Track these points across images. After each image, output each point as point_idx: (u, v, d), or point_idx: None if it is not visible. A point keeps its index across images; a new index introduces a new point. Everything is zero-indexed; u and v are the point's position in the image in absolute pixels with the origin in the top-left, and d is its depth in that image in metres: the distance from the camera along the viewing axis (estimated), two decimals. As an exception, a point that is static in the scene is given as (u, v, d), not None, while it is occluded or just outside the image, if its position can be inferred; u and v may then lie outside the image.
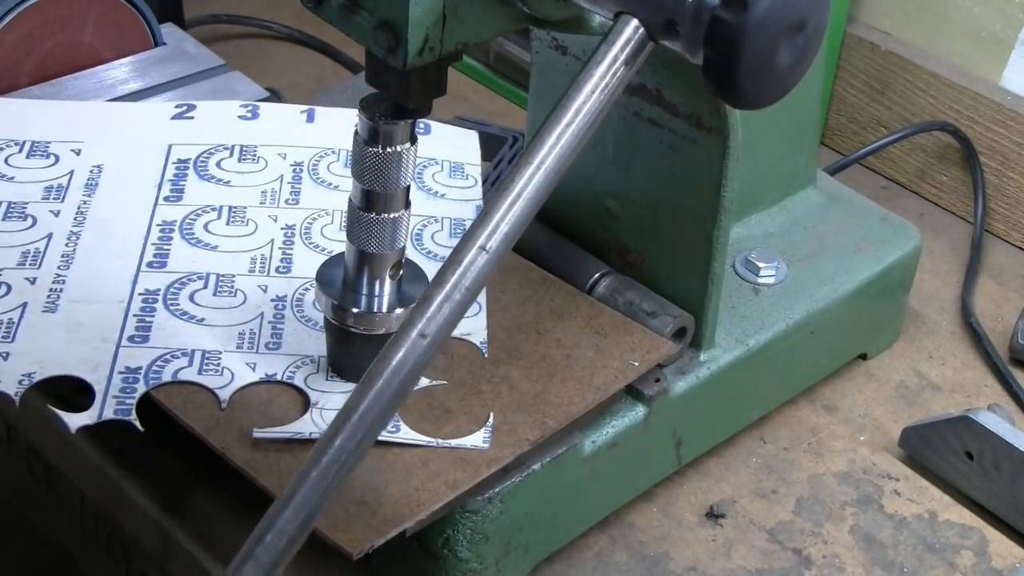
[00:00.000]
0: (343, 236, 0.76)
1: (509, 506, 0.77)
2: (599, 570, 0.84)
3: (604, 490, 0.84)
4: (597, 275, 0.87)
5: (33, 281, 0.82)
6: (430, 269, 0.73)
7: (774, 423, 0.95)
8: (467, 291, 0.59)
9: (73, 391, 0.75)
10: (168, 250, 0.85)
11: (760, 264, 0.93)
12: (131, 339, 0.78)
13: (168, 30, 1.11)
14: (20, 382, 0.74)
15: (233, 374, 0.76)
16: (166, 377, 0.76)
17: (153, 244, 0.86)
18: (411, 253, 0.86)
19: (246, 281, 0.84)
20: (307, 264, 0.85)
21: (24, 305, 0.79)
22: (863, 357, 1.01)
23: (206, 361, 0.77)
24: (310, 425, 0.73)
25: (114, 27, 1.06)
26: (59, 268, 0.83)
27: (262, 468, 0.71)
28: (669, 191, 0.83)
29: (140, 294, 0.81)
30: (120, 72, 1.06)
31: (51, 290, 0.81)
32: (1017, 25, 1.13)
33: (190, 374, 0.76)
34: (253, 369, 0.77)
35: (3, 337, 0.77)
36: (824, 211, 1.00)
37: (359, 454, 0.57)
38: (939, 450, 0.90)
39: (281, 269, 0.85)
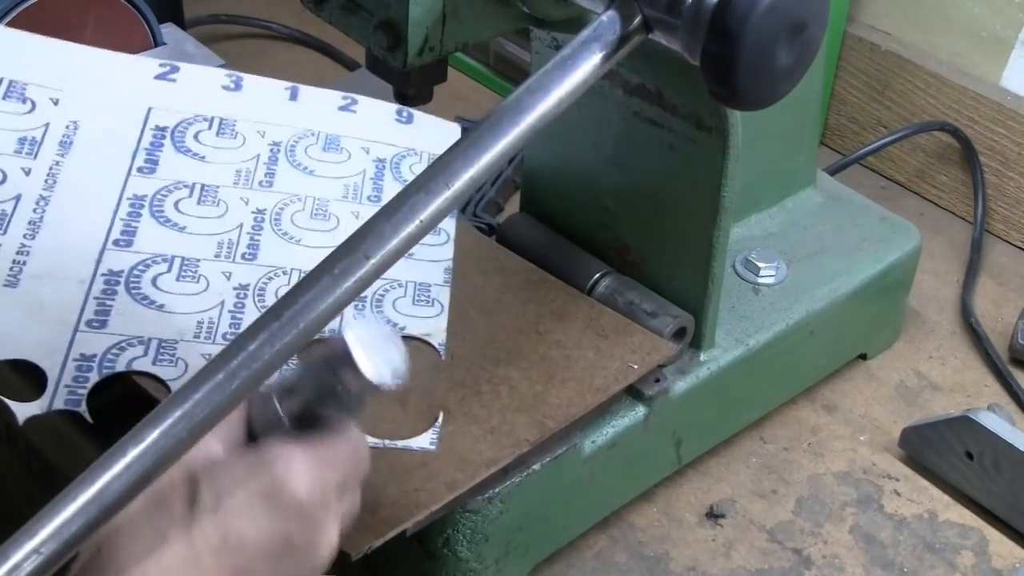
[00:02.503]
0: (314, 224, 0.75)
1: (509, 506, 0.77)
2: (599, 570, 0.84)
3: (604, 490, 0.84)
4: (597, 275, 0.87)
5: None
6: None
7: (774, 423, 0.95)
8: (420, 223, 0.58)
9: (27, 377, 0.74)
10: (136, 227, 0.84)
11: (760, 264, 0.93)
12: (89, 323, 0.77)
13: (168, 30, 1.11)
14: None
15: (187, 365, 0.76)
16: (120, 366, 0.75)
17: (121, 220, 0.84)
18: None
19: (210, 266, 0.83)
20: (274, 252, 0.84)
21: None
22: (863, 357, 1.01)
23: (162, 351, 0.76)
24: None
25: (114, 27, 1.06)
26: (25, 237, 0.81)
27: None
28: (669, 191, 0.83)
29: (103, 275, 0.80)
30: (120, 72, 1.05)
31: (14, 262, 0.79)
32: (1017, 25, 1.13)
33: (144, 364, 0.75)
34: (208, 360, 0.76)
35: None
36: (824, 211, 1.00)
37: (273, 361, 0.56)
38: (939, 450, 0.90)
39: (247, 256, 0.84)
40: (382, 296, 0.83)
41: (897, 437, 0.93)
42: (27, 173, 0.86)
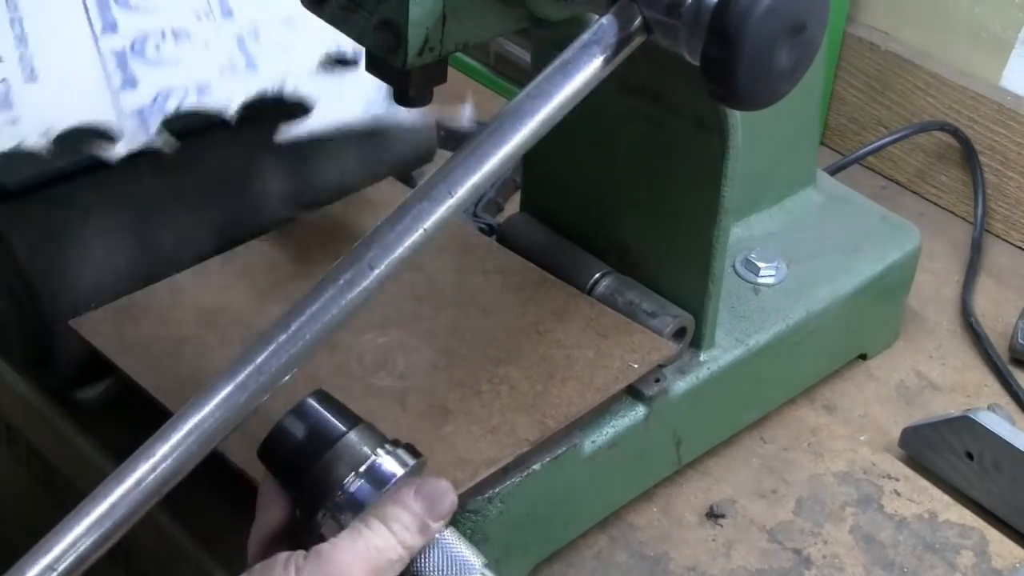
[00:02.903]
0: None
1: (509, 506, 0.77)
2: (599, 570, 0.84)
3: (604, 490, 0.84)
4: (597, 275, 0.87)
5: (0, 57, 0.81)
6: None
7: (774, 423, 0.95)
8: (424, 232, 0.59)
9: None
10: (114, 16, 0.85)
11: (760, 264, 0.93)
12: (122, 87, 0.78)
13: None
14: (45, 133, 0.75)
15: (230, 94, 0.77)
16: (171, 108, 0.79)
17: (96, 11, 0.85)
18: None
19: (199, 28, 0.84)
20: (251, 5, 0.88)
21: (4, 80, 0.79)
22: (863, 357, 1.01)
23: (201, 91, 0.78)
24: None
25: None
26: (16, 46, 0.82)
27: (262, 467, 0.71)
28: (669, 191, 0.83)
29: (108, 54, 0.82)
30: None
31: (21, 58, 0.80)
32: (1017, 25, 1.13)
33: (185, 101, 0.78)
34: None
35: (3, 106, 0.77)
36: (824, 211, 1.00)
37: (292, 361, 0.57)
38: (939, 450, 0.90)
39: (225, 11, 0.86)
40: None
41: (897, 437, 0.93)
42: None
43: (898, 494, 0.90)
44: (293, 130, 0.86)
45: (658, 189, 0.83)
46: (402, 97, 0.68)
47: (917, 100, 1.19)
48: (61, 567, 0.53)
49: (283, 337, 0.57)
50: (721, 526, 0.87)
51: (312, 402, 0.63)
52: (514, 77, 1.27)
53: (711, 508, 0.88)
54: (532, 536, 0.80)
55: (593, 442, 0.81)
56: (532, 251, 0.89)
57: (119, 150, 0.77)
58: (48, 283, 0.82)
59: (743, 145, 0.78)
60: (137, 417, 0.78)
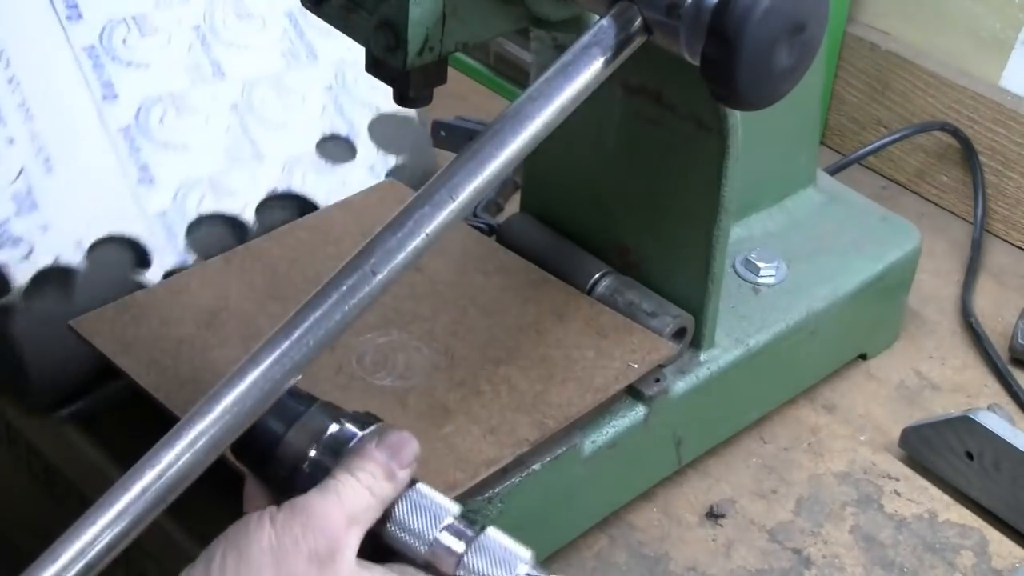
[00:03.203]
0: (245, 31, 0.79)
1: (509, 506, 0.77)
2: (599, 570, 0.84)
3: (604, 490, 0.84)
4: (597, 275, 0.87)
5: (12, 142, 0.82)
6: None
7: (774, 423, 0.95)
8: (426, 236, 0.59)
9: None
10: (109, 75, 0.85)
11: (760, 264, 0.93)
12: (139, 181, 0.80)
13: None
14: (79, 244, 0.77)
15: (242, 189, 0.80)
16: (191, 210, 0.82)
17: (92, 74, 0.86)
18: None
19: (197, 96, 0.85)
20: (240, 64, 0.88)
21: (22, 170, 0.80)
22: (863, 357, 1.01)
23: (215, 186, 0.80)
24: None
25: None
26: (24, 120, 0.82)
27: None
28: (669, 191, 0.83)
29: (115, 127, 0.83)
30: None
31: (33, 139, 0.81)
32: (1017, 25, 1.13)
33: (205, 200, 0.81)
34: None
35: (29, 209, 0.78)
36: (824, 211, 1.00)
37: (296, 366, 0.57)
38: (939, 450, 0.90)
39: (218, 73, 0.87)
40: None
41: (897, 437, 0.93)
42: (11, 142, 0.85)
43: (898, 494, 0.90)
44: None
45: (658, 189, 0.83)
46: (402, 97, 0.68)
47: (917, 100, 1.19)
48: (70, 574, 0.53)
49: (287, 343, 0.57)
50: (721, 526, 0.87)
51: (287, 398, 0.64)
52: (514, 77, 1.27)
53: (711, 508, 0.88)
54: (532, 536, 0.79)
55: (593, 442, 0.81)
56: (532, 251, 0.89)
57: (153, 275, 0.83)
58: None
59: (743, 145, 0.78)
60: (137, 417, 0.78)
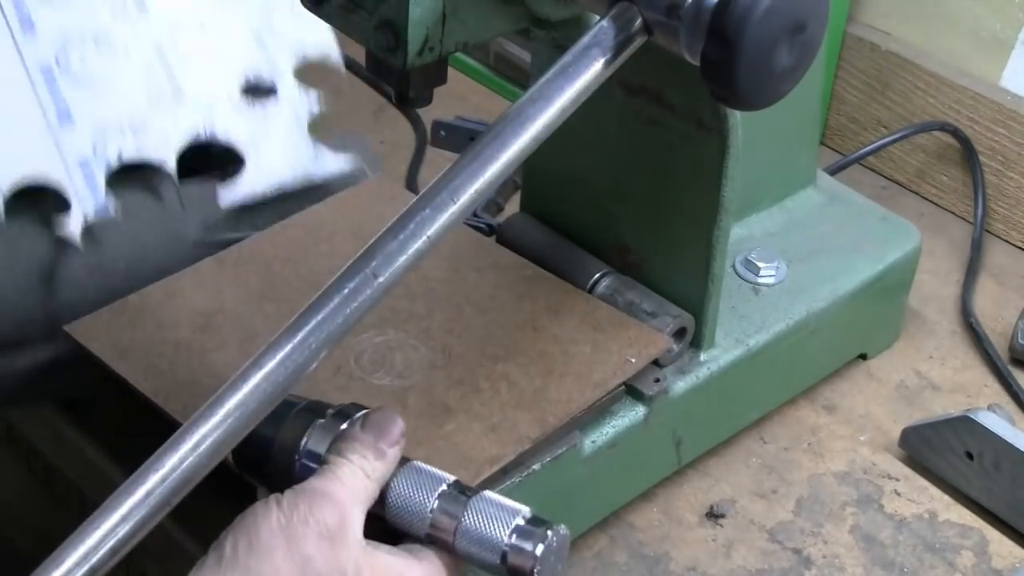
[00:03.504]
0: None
1: (509, 506, 0.76)
2: (599, 570, 0.84)
3: (604, 490, 0.84)
4: (597, 275, 0.87)
5: None
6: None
7: (774, 423, 0.95)
8: (428, 239, 0.59)
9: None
10: (30, 12, 0.84)
11: (760, 264, 0.93)
12: (59, 122, 0.78)
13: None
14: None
15: (164, 133, 0.78)
16: (112, 155, 0.78)
17: (13, 11, 0.84)
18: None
19: (118, 31, 0.83)
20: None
21: None
22: (863, 357, 1.01)
23: (136, 130, 0.78)
24: None
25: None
26: None
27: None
28: (669, 191, 0.83)
29: (34, 66, 0.81)
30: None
31: None
32: (1017, 25, 1.13)
33: (124, 141, 0.78)
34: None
35: None
36: (824, 211, 1.00)
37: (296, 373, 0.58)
38: (939, 450, 0.90)
39: (140, 7, 0.85)
40: None
41: (897, 437, 0.93)
42: None
43: (898, 494, 0.90)
44: (235, 194, 0.88)
45: (658, 189, 0.83)
46: (402, 98, 0.68)
47: (917, 100, 1.19)
48: None
49: (289, 347, 0.57)
50: (721, 526, 0.87)
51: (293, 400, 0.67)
52: (514, 77, 1.27)
53: (711, 508, 0.88)
54: (532, 536, 0.79)
55: (593, 442, 0.81)
56: (532, 251, 0.89)
57: (74, 226, 0.79)
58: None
59: (743, 145, 0.78)
60: (137, 417, 0.78)
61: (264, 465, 0.66)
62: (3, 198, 0.79)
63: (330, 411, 0.67)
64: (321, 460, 0.64)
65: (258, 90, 0.91)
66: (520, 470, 0.76)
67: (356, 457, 0.63)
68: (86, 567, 0.53)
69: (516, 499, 0.76)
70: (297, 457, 0.65)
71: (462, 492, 0.64)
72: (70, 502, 0.92)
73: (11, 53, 0.82)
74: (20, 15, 0.84)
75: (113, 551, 0.54)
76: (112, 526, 0.54)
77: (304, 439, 0.65)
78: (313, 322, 0.58)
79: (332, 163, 0.92)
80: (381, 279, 0.58)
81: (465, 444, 0.74)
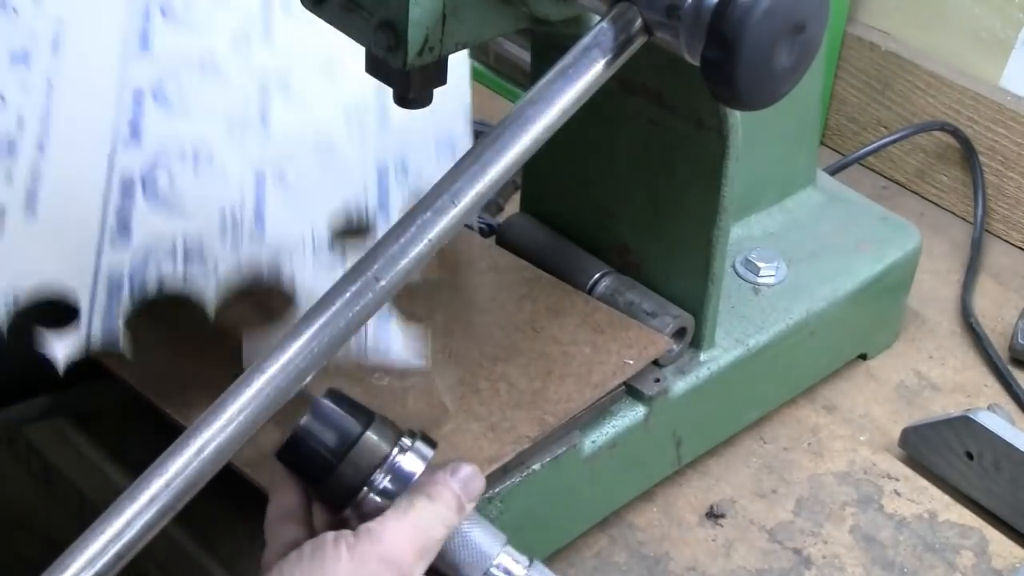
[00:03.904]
0: (320, 87, 0.74)
1: (509, 506, 0.77)
2: (599, 570, 0.84)
3: (604, 490, 0.84)
4: (597, 275, 0.87)
5: (10, 177, 0.77)
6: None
7: (774, 423, 0.95)
8: (429, 243, 0.59)
9: (58, 314, 0.71)
10: (142, 121, 0.80)
11: (760, 264, 0.93)
12: (112, 242, 0.74)
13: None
14: (6, 304, 0.71)
15: (217, 261, 0.73)
16: (151, 283, 0.72)
17: (126, 117, 0.80)
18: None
19: (225, 148, 0.79)
20: (287, 120, 0.81)
21: (2, 211, 0.75)
22: (863, 357, 1.01)
23: (188, 252, 0.74)
24: None
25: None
26: (34, 156, 0.78)
27: (262, 468, 0.71)
28: (669, 191, 0.83)
29: (119, 182, 0.77)
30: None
31: (28, 188, 0.76)
32: (1017, 25, 1.13)
33: (171, 268, 0.73)
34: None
35: None
36: (824, 211, 1.00)
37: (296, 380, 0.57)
38: (939, 450, 0.90)
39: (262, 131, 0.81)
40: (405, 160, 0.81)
41: (897, 437, 0.93)
42: (24, 88, 0.81)
43: (898, 494, 0.90)
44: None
45: (658, 189, 0.84)
46: (402, 98, 0.68)
47: (917, 100, 1.19)
48: None
49: (292, 351, 0.57)
50: (721, 526, 0.87)
51: (327, 402, 0.64)
52: (514, 77, 1.27)
53: (711, 508, 0.88)
54: (532, 536, 0.79)
55: (593, 442, 0.81)
56: (532, 251, 0.89)
57: (67, 348, 0.69)
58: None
59: (743, 145, 0.78)
60: (137, 417, 0.78)
61: (324, 478, 0.63)
62: (13, 305, 0.72)
63: (402, 438, 0.64)
64: (390, 495, 0.62)
65: (356, 232, 0.80)
66: (520, 470, 0.77)
67: (442, 506, 0.62)
68: (91, 572, 0.53)
69: (516, 499, 0.77)
70: (367, 490, 0.62)
71: (518, 558, 0.64)
72: (70, 502, 0.92)
73: (102, 163, 0.79)
74: (130, 119, 0.81)
75: (118, 556, 0.54)
76: (117, 531, 0.54)
77: (380, 473, 0.62)
78: (316, 326, 0.58)
79: (399, 348, 0.79)
80: (383, 282, 0.58)
81: (464, 444, 0.74)
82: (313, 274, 0.74)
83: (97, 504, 0.88)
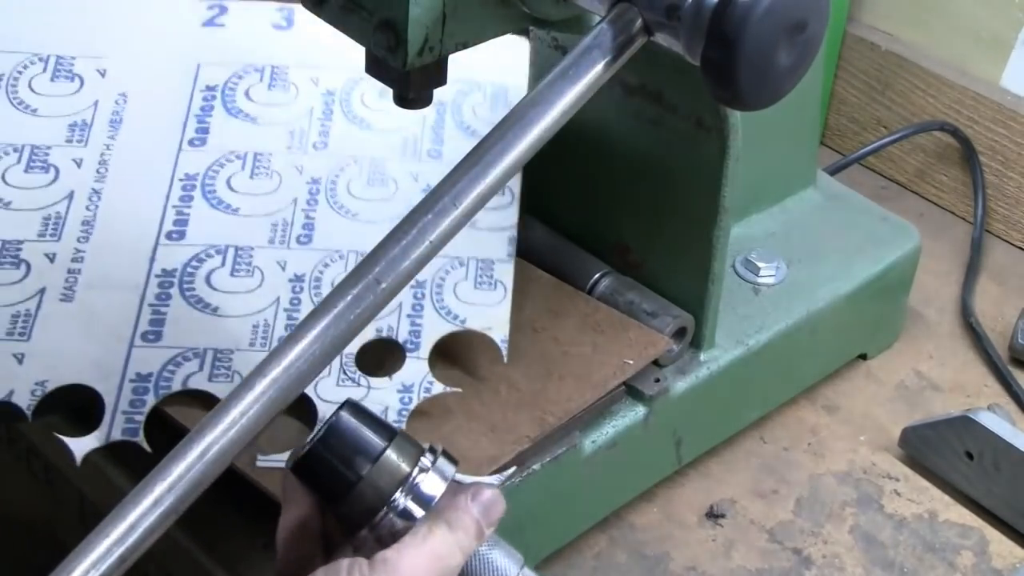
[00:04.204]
0: (371, 193, 0.74)
1: (509, 506, 0.76)
2: (599, 570, 0.84)
3: (604, 490, 0.84)
4: (597, 275, 0.87)
5: (52, 258, 0.78)
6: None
7: (774, 423, 0.95)
8: (430, 244, 0.59)
9: (82, 402, 0.73)
10: (188, 214, 0.81)
11: (760, 264, 0.93)
12: (144, 336, 0.75)
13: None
14: (33, 392, 0.72)
15: (242, 377, 0.74)
16: (176, 385, 0.74)
17: (174, 207, 0.82)
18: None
19: (264, 255, 0.80)
20: (330, 232, 0.81)
21: (42, 292, 0.77)
22: (863, 357, 1.01)
23: (217, 363, 0.75)
24: None
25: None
26: (79, 240, 0.80)
27: (264, 471, 0.71)
28: (669, 191, 0.83)
29: (157, 275, 0.78)
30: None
31: (69, 271, 0.78)
32: (1017, 25, 1.13)
33: (200, 380, 0.74)
34: None
35: (20, 334, 0.74)
36: (824, 211, 1.00)
37: (298, 383, 0.57)
38: (939, 450, 0.90)
39: (302, 239, 0.81)
40: (442, 281, 0.79)
41: (897, 437, 0.93)
42: (79, 164, 0.83)
43: (898, 494, 0.90)
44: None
45: (658, 189, 0.83)
46: (402, 98, 0.68)
47: (917, 100, 1.19)
48: None
49: (293, 354, 0.57)
50: (721, 526, 0.87)
51: (346, 416, 0.62)
52: (514, 77, 1.27)
53: (711, 508, 0.88)
54: (532, 536, 0.80)
55: (593, 442, 0.81)
56: (532, 251, 0.89)
57: (87, 445, 0.70)
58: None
59: (743, 145, 0.78)
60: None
61: (341, 494, 0.60)
62: (41, 394, 0.72)
63: (424, 461, 0.61)
64: (409, 517, 0.60)
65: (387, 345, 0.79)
66: (520, 470, 0.76)
67: (460, 534, 0.60)
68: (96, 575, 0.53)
69: (516, 499, 0.76)
70: (386, 510, 0.60)
71: None
72: (70, 502, 0.92)
73: (144, 259, 0.80)
74: (175, 219, 0.82)
75: (121, 559, 0.54)
76: (121, 535, 0.54)
77: (401, 494, 0.60)
78: (318, 329, 0.58)
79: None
80: (384, 285, 0.58)
81: (464, 444, 0.74)
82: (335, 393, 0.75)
83: (97, 504, 0.88)
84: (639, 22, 0.62)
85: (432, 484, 0.61)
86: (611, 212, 0.87)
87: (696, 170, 0.80)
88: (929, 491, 0.90)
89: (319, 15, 0.67)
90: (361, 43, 0.66)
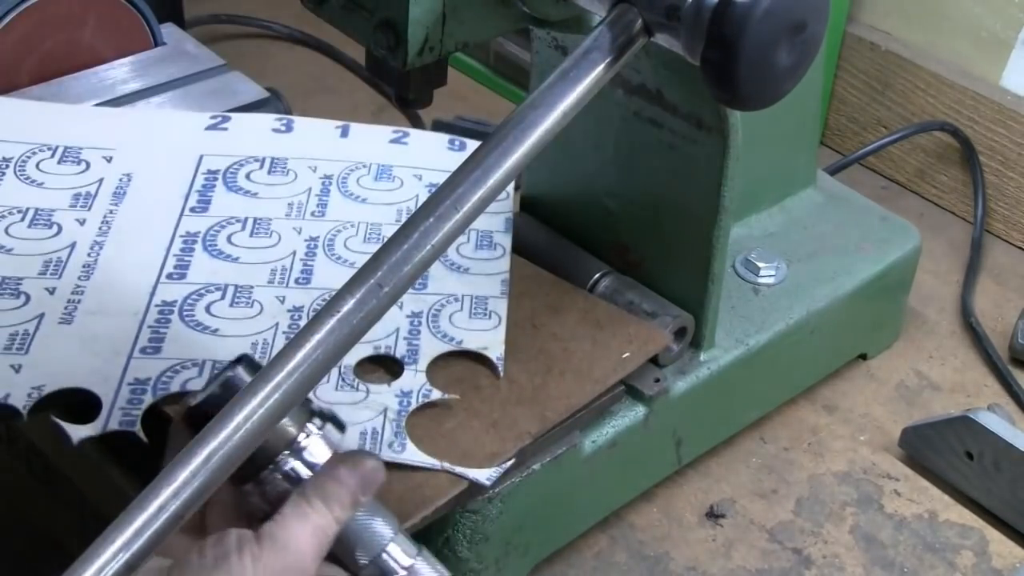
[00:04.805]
0: (367, 248, 0.75)
1: (509, 506, 0.77)
2: (599, 570, 0.84)
3: (604, 490, 0.84)
4: (597, 275, 0.87)
5: (52, 291, 0.80)
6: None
7: (774, 423, 0.95)
8: (432, 248, 0.59)
9: (80, 404, 0.73)
10: (189, 261, 0.84)
11: (760, 264, 0.93)
12: (143, 350, 0.77)
13: (168, 30, 1.11)
14: (29, 395, 0.72)
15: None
16: (174, 388, 0.74)
17: (175, 255, 0.84)
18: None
19: (264, 292, 0.82)
20: (327, 275, 0.84)
21: (41, 316, 0.78)
22: (863, 357, 1.01)
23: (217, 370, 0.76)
24: None
25: (114, 27, 1.06)
26: (79, 278, 0.81)
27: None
28: (669, 191, 0.83)
29: (156, 305, 0.80)
30: (120, 72, 1.05)
31: (69, 301, 0.80)
32: (1017, 25, 1.13)
33: (198, 384, 0.75)
34: None
35: (17, 348, 0.76)
36: (824, 211, 1.00)
37: (305, 384, 0.57)
38: (939, 450, 0.90)
39: (301, 280, 0.83)
40: (438, 311, 0.82)
41: (897, 437, 0.93)
42: (81, 224, 0.86)
43: (898, 494, 0.90)
44: None
45: (658, 189, 0.84)
46: (402, 98, 0.68)
47: (917, 100, 1.19)
48: None
49: (297, 358, 0.57)
50: (721, 526, 0.87)
51: (242, 371, 0.62)
52: (514, 77, 1.27)
53: (711, 508, 0.88)
54: (532, 536, 0.80)
55: (593, 442, 0.81)
56: (532, 251, 0.89)
57: (84, 432, 0.71)
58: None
59: (743, 145, 0.78)
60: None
61: None
62: (37, 396, 0.73)
63: (313, 424, 0.63)
64: (295, 478, 0.62)
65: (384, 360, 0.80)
66: (520, 470, 0.76)
67: (337, 506, 0.61)
68: None
69: (516, 499, 0.77)
70: (272, 468, 0.61)
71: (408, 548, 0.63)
72: (70, 502, 0.92)
73: (144, 294, 0.81)
74: (176, 263, 0.84)
75: (128, 566, 0.54)
76: (126, 540, 0.54)
77: (285, 455, 0.62)
78: (321, 333, 0.58)
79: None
80: (386, 289, 0.58)
81: (465, 441, 0.74)
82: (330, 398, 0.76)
83: (97, 504, 0.88)
84: (639, 23, 0.62)
85: (317, 448, 0.62)
86: (611, 212, 0.87)
87: (696, 170, 0.80)
88: (929, 491, 0.90)
89: (319, 15, 0.67)
90: (361, 43, 0.66)
